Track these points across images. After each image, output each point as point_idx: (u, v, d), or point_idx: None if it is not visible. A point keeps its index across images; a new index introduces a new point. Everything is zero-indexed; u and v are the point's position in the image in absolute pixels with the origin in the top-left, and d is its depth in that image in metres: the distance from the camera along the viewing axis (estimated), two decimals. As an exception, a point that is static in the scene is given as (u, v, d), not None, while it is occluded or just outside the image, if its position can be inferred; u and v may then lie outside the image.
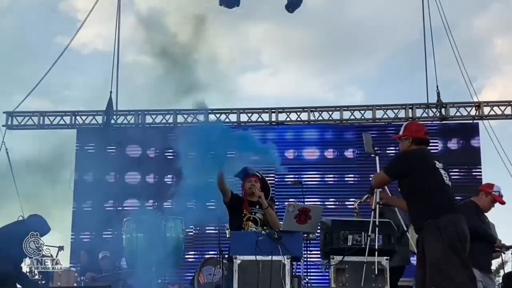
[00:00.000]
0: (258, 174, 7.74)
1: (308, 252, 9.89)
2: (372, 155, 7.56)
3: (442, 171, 5.75)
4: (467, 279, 5.43)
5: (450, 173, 12.80)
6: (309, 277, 10.01)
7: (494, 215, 7.57)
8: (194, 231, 13.23)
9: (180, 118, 14.30)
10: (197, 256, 13.02)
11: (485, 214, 7.49)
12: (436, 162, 5.80)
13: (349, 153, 13.70)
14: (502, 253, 7.60)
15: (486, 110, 13.80)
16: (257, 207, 7.49)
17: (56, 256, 8.04)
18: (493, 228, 7.63)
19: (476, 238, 7.17)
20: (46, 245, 9.75)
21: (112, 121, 14.30)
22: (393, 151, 13.62)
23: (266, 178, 13.51)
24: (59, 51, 13.86)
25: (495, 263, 8.74)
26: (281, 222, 7.16)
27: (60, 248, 8.61)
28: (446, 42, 13.53)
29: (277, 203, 12.63)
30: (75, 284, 5.37)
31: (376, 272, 6.81)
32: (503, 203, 7.33)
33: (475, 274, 6.95)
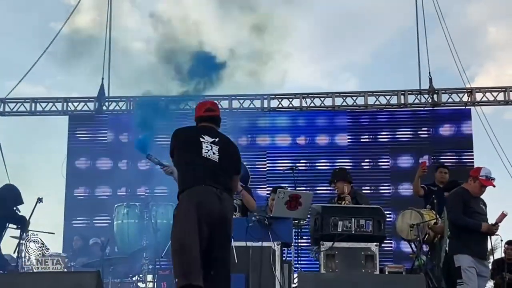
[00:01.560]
0: None
1: (299, 238, 9.95)
2: None
3: (209, 145, 5.58)
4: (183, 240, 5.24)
5: (440, 158, 12.91)
6: (299, 263, 10.05)
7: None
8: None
9: (172, 105, 14.24)
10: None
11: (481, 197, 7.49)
12: (204, 136, 5.63)
13: (340, 140, 13.69)
14: (489, 238, 7.61)
15: (479, 96, 13.79)
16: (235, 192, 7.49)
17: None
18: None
19: (462, 228, 7.24)
20: (36, 231, 9.78)
21: (104, 108, 14.27)
22: (385, 137, 13.68)
23: (258, 165, 13.64)
24: (52, 37, 13.82)
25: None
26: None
27: (39, 200, 8.66)
28: (440, 29, 13.54)
29: (269, 189, 12.67)
30: (65, 270, 5.37)
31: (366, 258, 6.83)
32: (492, 186, 7.34)
33: (467, 260, 7.00)
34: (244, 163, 8.01)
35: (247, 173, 7.91)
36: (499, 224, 7.24)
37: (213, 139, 5.63)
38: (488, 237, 7.52)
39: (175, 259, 5.27)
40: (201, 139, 5.59)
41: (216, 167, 5.51)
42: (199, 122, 5.88)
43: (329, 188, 12.97)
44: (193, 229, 5.23)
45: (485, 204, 7.45)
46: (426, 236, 9.15)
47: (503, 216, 7.19)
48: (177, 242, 5.28)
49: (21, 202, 8.80)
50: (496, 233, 8.89)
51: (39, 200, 9.38)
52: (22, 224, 8.49)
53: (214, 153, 5.55)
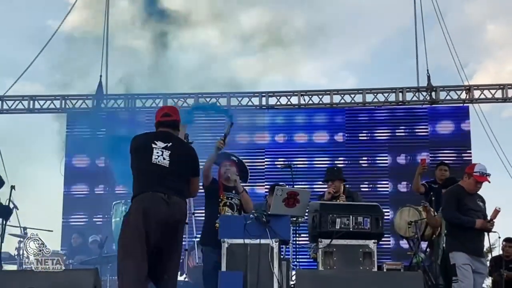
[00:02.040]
0: (234, 158, 7.72)
1: (297, 236, 9.95)
2: None
3: (160, 151, 5.74)
4: (129, 248, 5.45)
5: (438, 156, 12.91)
6: (297, 261, 10.05)
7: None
8: (184, 215, 13.22)
9: (170, 102, 14.26)
10: (187, 239, 13.02)
11: (478, 193, 7.48)
12: (157, 142, 5.78)
13: (339, 137, 13.70)
14: (487, 235, 7.61)
15: (477, 93, 13.79)
16: (234, 192, 7.52)
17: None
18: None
19: (457, 226, 7.25)
20: (33, 228, 9.81)
21: (102, 105, 14.26)
22: (383, 134, 13.70)
23: (257, 161, 13.66)
24: (50, 34, 13.82)
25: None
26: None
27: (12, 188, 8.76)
28: (438, 27, 13.57)
29: (267, 186, 12.68)
30: (63, 267, 5.37)
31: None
32: (486, 181, 7.33)
33: (462, 258, 7.01)
34: (243, 160, 8.02)
35: (247, 172, 7.90)
36: (494, 220, 7.23)
37: (166, 144, 5.77)
38: (486, 234, 7.53)
39: (120, 266, 5.44)
40: (153, 145, 5.74)
41: (165, 172, 5.67)
42: (157, 127, 6.04)
43: (326, 185, 13.03)
44: (138, 237, 5.41)
45: (483, 201, 7.44)
46: (424, 232, 9.18)
47: (496, 212, 7.19)
48: (122, 249, 5.49)
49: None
50: (494, 231, 8.90)
51: (12, 188, 9.46)
52: (4, 212, 8.54)
53: (164, 158, 5.70)
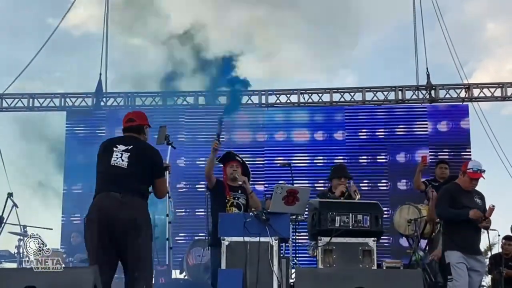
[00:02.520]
0: (239, 159, 7.74)
1: (297, 234, 9.96)
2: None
3: (119, 153, 5.99)
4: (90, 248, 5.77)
5: (438, 154, 12.90)
6: (297, 258, 10.06)
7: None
8: (184, 213, 13.26)
9: (169, 100, 14.28)
10: (186, 237, 13.05)
11: (476, 189, 7.44)
12: (118, 145, 6.04)
13: (338, 135, 13.71)
14: (487, 232, 7.61)
15: (476, 92, 13.81)
16: (240, 192, 7.53)
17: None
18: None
19: (451, 221, 7.24)
20: (33, 227, 9.82)
21: (102, 103, 14.27)
22: (383, 133, 13.70)
23: (256, 160, 13.67)
24: (50, 32, 13.81)
25: (483, 245, 8.77)
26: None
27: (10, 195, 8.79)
28: (438, 25, 13.58)
29: (266, 185, 12.70)
30: (62, 267, 5.37)
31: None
32: (480, 178, 7.31)
33: (456, 257, 6.99)
34: (243, 159, 8.03)
35: (249, 173, 7.91)
36: (490, 218, 7.18)
37: (126, 147, 6.01)
38: (485, 232, 7.53)
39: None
40: (114, 149, 6.01)
41: (123, 173, 5.90)
42: (123, 132, 6.31)
43: (326, 183, 13.03)
44: (95, 236, 5.74)
45: (481, 198, 7.42)
46: (424, 230, 9.19)
47: (490, 210, 7.15)
48: (87, 252, 5.83)
49: None
50: (493, 228, 8.89)
51: (9, 195, 9.45)
52: None
53: (123, 160, 5.95)
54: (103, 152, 6.08)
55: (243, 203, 7.55)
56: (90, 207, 5.94)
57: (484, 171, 7.33)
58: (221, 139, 7.48)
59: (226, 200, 7.47)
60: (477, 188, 7.43)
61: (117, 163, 5.94)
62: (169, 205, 8.54)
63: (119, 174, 5.90)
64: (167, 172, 6.83)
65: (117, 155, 5.97)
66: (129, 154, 5.96)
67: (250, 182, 7.95)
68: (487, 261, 10.49)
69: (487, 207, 7.22)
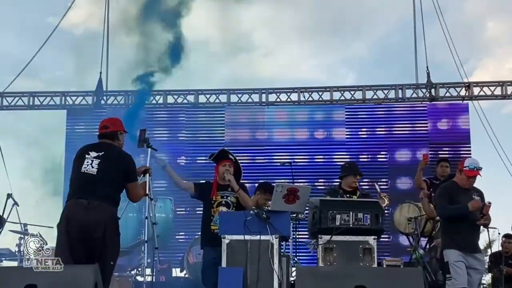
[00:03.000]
0: (232, 158, 7.76)
1: (297, 232, 9.96)
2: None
3: (90, 160, 6.15)
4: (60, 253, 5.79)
5: (438, 153, 12.90)
6: (298, 257, 10.07)
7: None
8: (184, 211, 13.26)
9: (170, 99, 14.29)
10: (187, 236, 13.06)
11: (474, 186, 7.40)
12: (90, 152, 6.21)
13: (338, 134, 13.72)
14: (487, 230, 7.60)
15: (476, 90, 13.81)
16: (229, 189, 7.56)
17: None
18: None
19: (451, 219, 7.23)
20: (33, 225, 9.81)
21: (102, 102, 14.28)
22: (383, 131, 13.71)
23: (257, 158, 13.68)
24: (50, 31, 13.81)
25: (482, 243, 8.77)
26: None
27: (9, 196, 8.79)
28: (438, 24, 13.57)
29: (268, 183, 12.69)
30: (63, 267, 5.40)
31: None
32: (477, 175, 7.25)
33: (454, 255, 6.99)
34: (243, 157, 8.03)
35: (240, 170, 7.91)
36: (488, 215, 7.11)
37: (98, 154, 6.19)
38: (485, 230, 7.52)
39: None
40: (87, 156, 6.20)
41: (92, 179, 6.07)
42: (98, 139, 6.48)
43: (327, 182, 13.06)
44: (65, 243, 5.90)
45: (481, 195, 7.36)
46: (424, 228, 9.20)
47: (487, 207, 7.07)
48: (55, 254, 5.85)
49: None
50: (493, 226, 8.89)
51: (9, 196, 9.45)
52: None
53: (93, 167, 6.12)
54: (77, 159, 6.25)
55: (232, 201, 7.56)
56: (61, 215, 6.11)
57: (481, 168, 7.29)
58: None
59: (213, 201, 7.51)
60: (477, 186, 7.42)
61: (87, 170, 6.12)
62: (152, 207, 8.58)
63: (88, 181, 6.08)
64: (148, 175, 6.98)
65: (87, 162, 6.15)
66: (99, 160, 6.13)
67: (250, 180, 7.97)
68: (486, 259, 10.50)
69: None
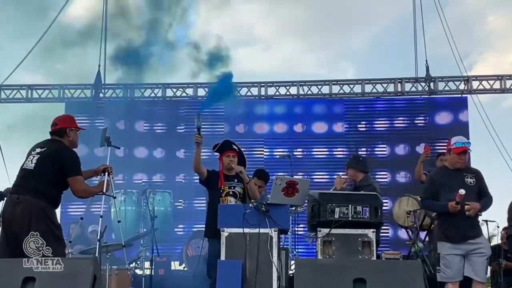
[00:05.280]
0: (236, 148, 7.73)
1: (297, 226, 9.96)
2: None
3: (32, 156, 6.27)
4: None
5: (437, 146, 12.91)
6: (296, 250, 10.08)
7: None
8: (183, 205, 13.25)
9: (169, 92, 14.28)
10: (185, 229, 13.06)
11: (468, 167, 7.27)
12: (36, 149, 6.33)
13: (338, 127, 13.71)
14: (486, 224, 7.55)
15: (475, 84, 13.81)
16: (236, 180, 7.54)
17: None
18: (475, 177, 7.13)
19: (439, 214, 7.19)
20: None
21: (101, 95, 14.26)
22: (382, 125, 13.71)
23: (256, 151, 13.68)
24: (49, 23, 13.77)
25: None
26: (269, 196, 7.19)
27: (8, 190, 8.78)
28: (438, 18, 13.56)
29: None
30: (63, 268, 5.40)
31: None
32: (465, 151, 7.06)
33: (445, 248, 6.91)
34: (242, 149, 8.02)
35: (245, 161, 7.90)
36: (464, 204, 6.79)
37: (41, 150, 6.31)
38: (486, 224, 7.45)
39: None
40: (32, 152, 6.34)
41: (28, 175, 6.21)
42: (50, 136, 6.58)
43: (326, 175, 13.08)
44: (4, 240, 6.09)
45: (476, 177, 7.09)
46: (423, 222, 9.19)
47: (460, 196, 6.74)
48: None
49: None
50: (492, 220, 8.86)
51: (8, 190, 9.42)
52: None
53: (32, 162, 6.23)
54: (26, 156, 6.37)
55: (239, 192, 7.55)
56: None
57: (469, 143, 7.14)
58: (202, 132, 7.47)
59: (221, 190, 7.46)
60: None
61: (26, 166, 6.26)
62: (115, 204, 8.63)
63: (24, 176, 6.24)
64: (107, 173, 7.03)
65: (30, 158, 6.28)
66: (39, 156, 6.25)
67: (249, 173, 7.96)
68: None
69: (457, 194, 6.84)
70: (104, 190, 6.91)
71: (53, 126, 6.55)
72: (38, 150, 6.31)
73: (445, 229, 7.03)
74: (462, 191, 6.73)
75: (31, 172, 6.19)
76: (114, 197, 8.09)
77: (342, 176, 8.93)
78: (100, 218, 8.03)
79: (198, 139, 7.47)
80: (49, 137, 6.52)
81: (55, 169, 6.21)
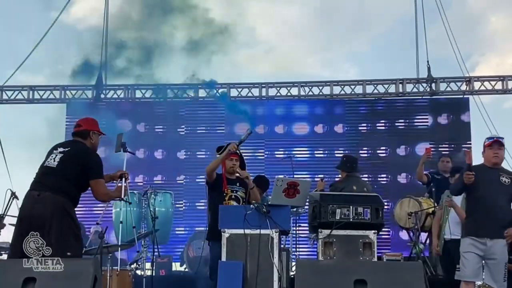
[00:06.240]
0: (238, 152, 7.72)
1: (298, 226, 9.96)
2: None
3: (54, 155, 6.30)
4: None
5: (438, 147, 12.88)
6: (297, 251, 10.07)
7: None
8: (184, 206, 13.26)
9: (170, 93, 14.27)
10: (187, 230, 13.06)
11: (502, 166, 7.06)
12: (59, 148, 6.38)
13: (338, 128, 13.71)
14: None
15: (477, 85, 13.79)
16: (238, 184, 7.53)
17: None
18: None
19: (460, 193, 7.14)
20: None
21: (102, 96, 14.26)
22: (383, 126, 13.70)
23: (256, 153, 13.68)
24: (49, 25, 13.77)
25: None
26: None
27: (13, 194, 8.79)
28: (440, 19, 13.52)
29: (267, 177, 12.68)
30: (63, 268, 5.41)
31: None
32: (496, 144, 6.90)
33: (464, 245, 6.82)
34: (243, 151, 8.02)
35: (245, 165, 7.86)
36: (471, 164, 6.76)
37: (64, 149, 6.35)
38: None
39: None
40: (54, 151, 6.37)
41: (49, 172, 6.22)
42: (72, 136, 6.67)
43: (327, 176, 13.06)
44: (16, 233, 6.09)
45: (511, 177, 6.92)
46: (424, 223, 9.19)
47: (468, 153, 6.80)
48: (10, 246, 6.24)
49: None
50: None
51: (13, 194, 9.42)
52: None
53: (54, 160, 6.26)
54: (47, 154, 6.39)
55: (241, 196, 7.54)
56: None
57: (502, 138, 6.97)
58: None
59: (224, 194, 7.45)
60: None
61: (48, 163, 6.26)
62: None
63: (45, 174, 6.23)
64: (124, 179, 7.09)
65: (52, 156, 6.30)
66: (62, 155, 6.27)
67: (250, 174, 7.95)
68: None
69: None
70: (122, 196, 7.00)
71: (76, 127, 6.60)
72: (60, 149, 6.32)
73: (469, 222, 6.88)
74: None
75: (52, 170, 6.19)
76: (130, 203, 8.13)
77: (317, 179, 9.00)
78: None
79: (234, 149, 7.49)
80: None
81: (78, 169, 6.23)
